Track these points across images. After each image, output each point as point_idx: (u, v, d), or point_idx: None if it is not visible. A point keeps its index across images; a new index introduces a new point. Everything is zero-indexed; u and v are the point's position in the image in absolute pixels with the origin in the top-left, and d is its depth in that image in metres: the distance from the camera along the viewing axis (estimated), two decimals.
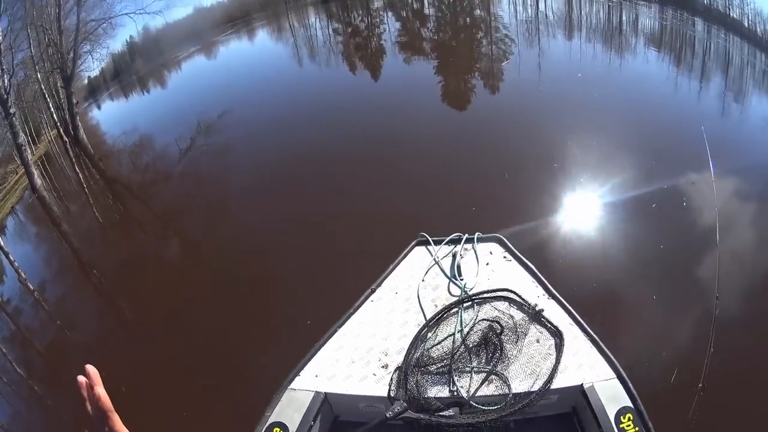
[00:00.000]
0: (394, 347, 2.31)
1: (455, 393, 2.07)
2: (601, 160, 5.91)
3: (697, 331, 3.64)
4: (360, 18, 14.30)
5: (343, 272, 4.26)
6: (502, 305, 2.40)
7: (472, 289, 2.49)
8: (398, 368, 2.15)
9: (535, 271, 2.61)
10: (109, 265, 6.09)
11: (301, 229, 5.37)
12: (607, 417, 2.07)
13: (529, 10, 11.86)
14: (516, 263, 2.68)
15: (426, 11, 12.17)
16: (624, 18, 12.94)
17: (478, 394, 2.09)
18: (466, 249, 2.78)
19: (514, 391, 2.05)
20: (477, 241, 2.81)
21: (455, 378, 2.11)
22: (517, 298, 2.39)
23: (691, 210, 5.05)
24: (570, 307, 2.46)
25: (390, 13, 13.08)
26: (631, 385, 2.19)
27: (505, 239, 2.80)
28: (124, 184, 8.85)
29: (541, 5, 12.05)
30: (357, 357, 2.29)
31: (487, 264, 2.71)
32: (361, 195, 5.89)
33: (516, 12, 11.77)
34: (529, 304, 2.36)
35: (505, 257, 2.75)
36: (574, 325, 2.39)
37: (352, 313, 2.49)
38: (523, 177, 5.69)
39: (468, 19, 11.76)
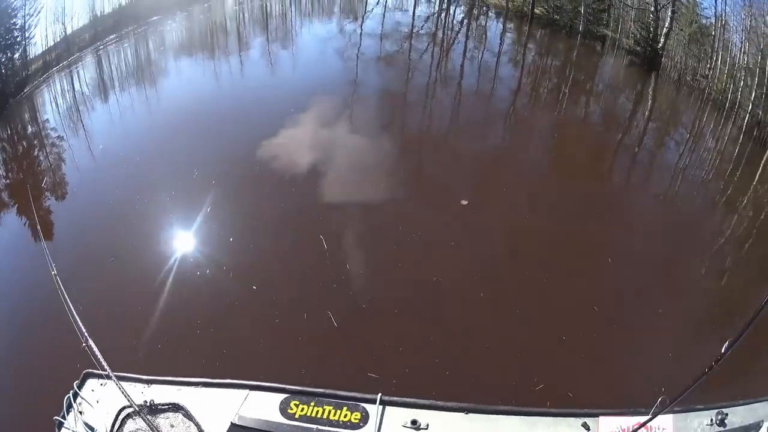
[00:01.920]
0: None
1: None
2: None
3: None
4: None
5: None
6: (128, 428, 2.49)
7: None
8: None
9: (129, 375, 2.73)
10: None
11: None
12: (272, 422, 2.35)
13: (69, 98, 11.88)
14: (112, 382, 2.66)
15: None
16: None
17: None
18: (80, 404, 2.77)
19: None
20: (80, 390, 2.80)
21: None
22: (130, 410, 2.47)
23: None
24: (172, 378, 2.67)
25: None
26: (276, 384, 2.50)
27: (92, 370, 2.80)
28: None
29: (78, 83, 12.15)
30: None
31: (98, 401, 2.75)
32: None
33: (61, 105, 11.67)
34: (141, 405, 2.47)
35: (102, 385, 2.79)
36: (183, 387, 2.60)
37: None
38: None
39: (25, 143, 11.29)
